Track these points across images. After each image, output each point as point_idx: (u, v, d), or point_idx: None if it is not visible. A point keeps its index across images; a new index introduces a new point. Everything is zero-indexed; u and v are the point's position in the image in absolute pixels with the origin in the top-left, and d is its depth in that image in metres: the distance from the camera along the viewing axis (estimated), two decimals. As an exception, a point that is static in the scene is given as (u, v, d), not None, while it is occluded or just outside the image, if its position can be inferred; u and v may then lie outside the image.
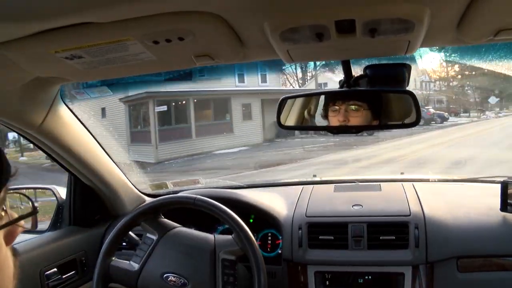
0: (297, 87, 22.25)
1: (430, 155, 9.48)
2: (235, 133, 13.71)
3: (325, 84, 22.45)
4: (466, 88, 30.70)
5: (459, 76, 31.88)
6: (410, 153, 9.64)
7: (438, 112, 25.79)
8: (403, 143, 11.61)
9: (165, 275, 1.16)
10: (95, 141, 1.49)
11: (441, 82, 33.94)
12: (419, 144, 11.36)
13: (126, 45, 0.79)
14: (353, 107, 1.09)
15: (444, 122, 23.55)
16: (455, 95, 33.69)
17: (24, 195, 1.57)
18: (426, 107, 27.28)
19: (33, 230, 1.57)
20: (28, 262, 1.32)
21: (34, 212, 1.33)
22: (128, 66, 0.91)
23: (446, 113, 27.08)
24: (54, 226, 1.58)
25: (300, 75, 21.74)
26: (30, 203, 1.50)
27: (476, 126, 17.97)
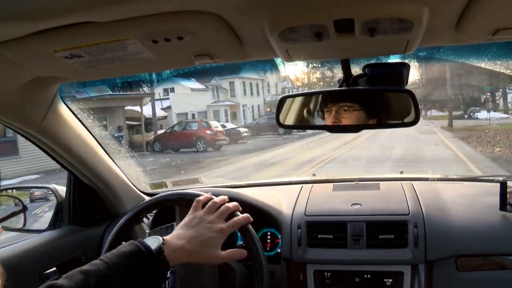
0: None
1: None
2: (21, 155, 10.01)
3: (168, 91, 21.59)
4: None
5: (321, 83, 31.39)
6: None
7: (300, 119, 26.44)
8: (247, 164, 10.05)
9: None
10: (95, 140, 1.49)
11: (303, 88, 32.39)
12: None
13: (126, 44, 0.79)
14: (344, 108, 1.09)
15: (307, 130, 23.18)
16: None
17: (12, 196, 1.60)
18: (287, 114, 26.98)
19: (33, 229, 1.59)
20: (28, 261, 1.32)
21: (23, 209, 1.41)
22: (128, 66, 0.91)
23: None
24: (53, 225, 1.58)
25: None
26: (19, 201, 1.53)
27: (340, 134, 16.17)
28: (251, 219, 1.01)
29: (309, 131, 20.09)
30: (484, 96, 27.38)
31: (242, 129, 19.63)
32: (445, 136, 15.17)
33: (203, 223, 0.91)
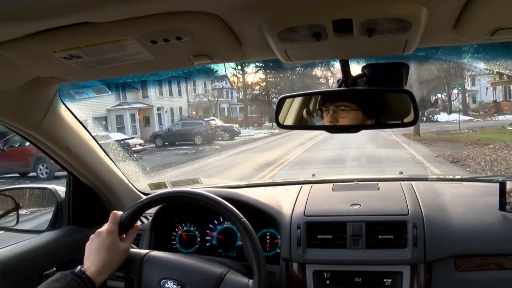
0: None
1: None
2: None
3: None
4: (272, 95, 27.87)
5: (264, 83, 28.61)
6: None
7: (225, 125, 20.65)
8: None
9: (162, 281, 1.11)
10: (94, 140, 1.49)
11: (245, 89, 29.18)
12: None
13: (124, 44, 0.79)
14: (341, 107, 1.09)
15: (236, 138, 19.24)
16: (260, 103, 28.75)
17: (5, 194, 1.61)
18: (205, 119, 20.10)
19: (33, 230, 1.60)
20: (28, 261, 1.32)
21: (16, 208, 1.51)
22: (127, 66, 0.92)
23: (237, 126, 21.38)
24: (53, 225, 1.58)
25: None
26: (13, 200, 1.57)
27: (273, 145, 13.12)
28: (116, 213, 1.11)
29: (238, 139, 17.43)
30: (434, 97, 25.26)
31: (133, 141, 15.10)
32: (421, 153, 9.96)
33: (95, 239, 1.07)
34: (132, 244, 1.27)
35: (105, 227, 1.08)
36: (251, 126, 26.29)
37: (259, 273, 1.07)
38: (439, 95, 25.34)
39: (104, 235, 1.06)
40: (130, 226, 1.13)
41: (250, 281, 1.09)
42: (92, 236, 1.08)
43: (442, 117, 22.96)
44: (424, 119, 22.42)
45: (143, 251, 1.16)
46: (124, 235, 1.11)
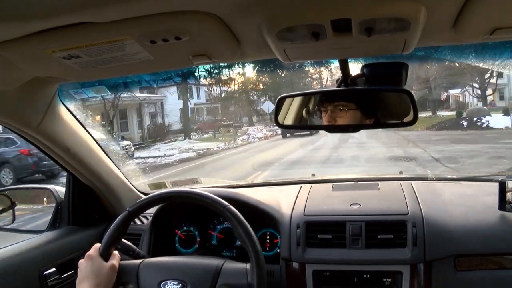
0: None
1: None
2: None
3: None
4: (252, 92, 23.80)
5: (242, 79, 23.79)
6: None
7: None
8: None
9: (162, 283, 1.12)
10: (94, 140, 1.49)
11: (221, 87, 24.26)
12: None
13: (124, 44, 0.79)
14: (339, 107, 1.10)
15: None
16: (236, 102, 24.03)
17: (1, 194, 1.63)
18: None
19: (33, 230, 1.60)
20: (27, 261, 1.32)
21: (12, 206, 1.54)
22: (126, 66, 0.92)
23: (126, 143, 12.80)
24: (53, 225, 1.58)
25: None
26: (8, 198, 1.58)
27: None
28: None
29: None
30: (446, 94, 18.95)
31: None
32: None
33: (81, 267, 1.13)
34: (132, 245, 1.28)
35: (89, 251, 1.14)
36: (211, 132, 21.46)
37: (255, 254, 1.09)
38: (451, 91, 20.77)
39: (85, 262, 1.12)
40: (115, 243, 1.18)
41: (248, 265, 1.11)
42: (80, 261, 1.14)
43: (496, 120, 13.87)
44: (465, 123, 14.87)
45: (138, 261, 1.18)
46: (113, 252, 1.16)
